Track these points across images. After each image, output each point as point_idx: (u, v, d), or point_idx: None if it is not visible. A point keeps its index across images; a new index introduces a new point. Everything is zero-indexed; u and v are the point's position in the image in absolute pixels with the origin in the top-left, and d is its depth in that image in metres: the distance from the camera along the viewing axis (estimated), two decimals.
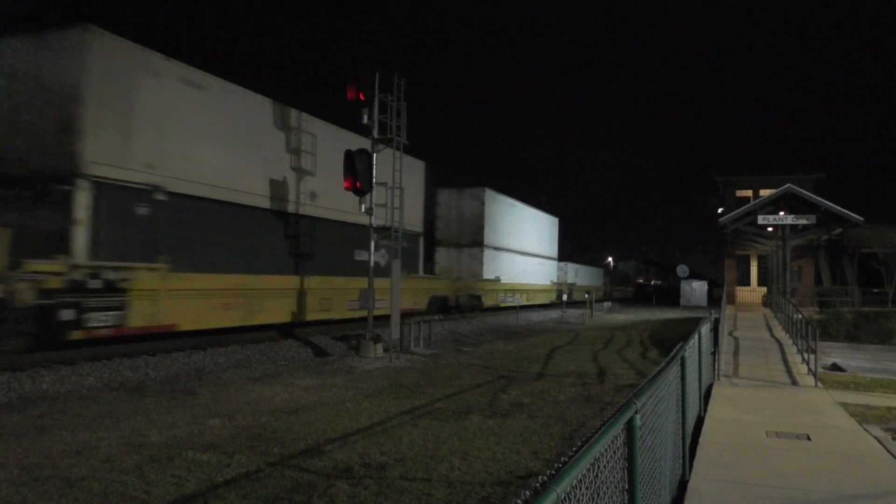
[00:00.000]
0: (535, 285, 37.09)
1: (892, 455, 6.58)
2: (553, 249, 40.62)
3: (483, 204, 28.66)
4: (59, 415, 8.58)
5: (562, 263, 43.32)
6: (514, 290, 33.02)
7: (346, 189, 15.66)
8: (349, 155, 15.40)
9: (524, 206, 34.61)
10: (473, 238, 28.63)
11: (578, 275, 47.74)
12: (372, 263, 16.26)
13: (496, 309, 31.68)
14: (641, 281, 73.31)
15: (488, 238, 29.11)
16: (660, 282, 77.83)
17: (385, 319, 17.62)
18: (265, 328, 17.15)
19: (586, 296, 37.22)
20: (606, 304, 41.48)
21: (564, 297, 37.25)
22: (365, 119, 15.98)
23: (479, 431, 8.00)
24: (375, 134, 16.14)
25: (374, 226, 16.25)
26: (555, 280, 40.80)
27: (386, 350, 15.89)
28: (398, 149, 16.45)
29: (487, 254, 29.11)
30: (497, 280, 30.53)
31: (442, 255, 28.67)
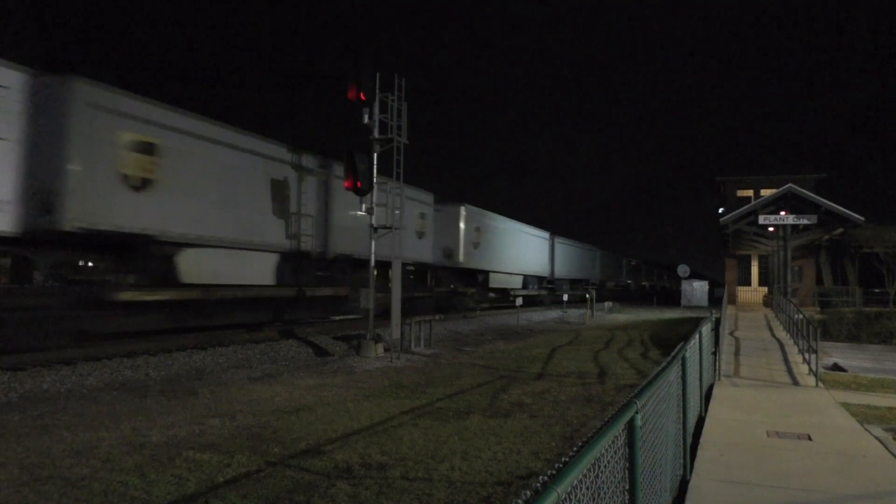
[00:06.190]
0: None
1: (894, 455, 6.57)
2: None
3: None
4: (59, 414, 8.58)
5: None
6: None
7: (347, 188, 15.67)
8: (350, 155, 15.39)
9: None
10: None
11: None
12: (373, 262, 16.26)
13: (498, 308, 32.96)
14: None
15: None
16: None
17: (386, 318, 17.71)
18: (266, 328, 17.18)
19: (587, 296, 37.24)
20: (607, 304, 41.46)
21: (565, 298, 37.29)
22: (366, 119, 15.96)
23: (479, 431, 8.00)
24: (376, 133, 16.12)
25: (375, 225, 16.25)
26: None
27: (387, 350, 15.89)
28: (399, 148, 16.44)
29: None
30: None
31: None
